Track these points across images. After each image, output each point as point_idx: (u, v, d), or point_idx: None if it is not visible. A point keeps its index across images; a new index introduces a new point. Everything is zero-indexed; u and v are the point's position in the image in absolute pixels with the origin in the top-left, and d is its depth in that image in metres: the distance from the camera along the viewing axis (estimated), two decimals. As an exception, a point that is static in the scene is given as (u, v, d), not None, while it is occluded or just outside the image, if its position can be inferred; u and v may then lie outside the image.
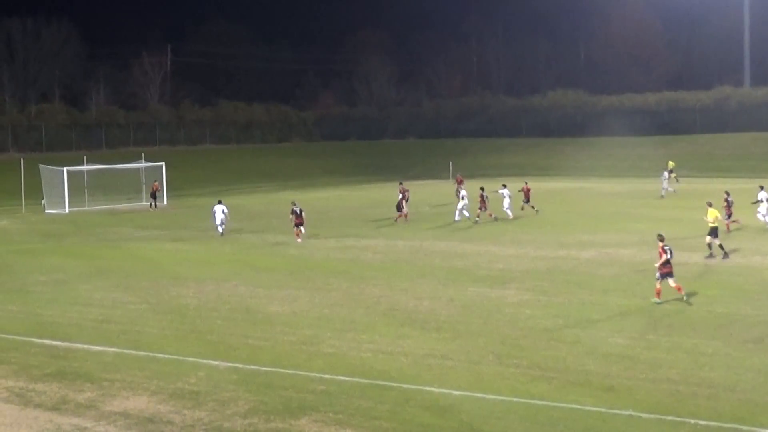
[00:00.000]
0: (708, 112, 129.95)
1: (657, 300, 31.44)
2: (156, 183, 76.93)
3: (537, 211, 61.06)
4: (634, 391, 21.42)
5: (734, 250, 42.58)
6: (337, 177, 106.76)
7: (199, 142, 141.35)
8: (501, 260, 41.84)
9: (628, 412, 19.84)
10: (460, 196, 59.62)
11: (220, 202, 55.96)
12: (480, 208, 58.00)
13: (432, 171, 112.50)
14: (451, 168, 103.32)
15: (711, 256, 41.08)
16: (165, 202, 78.98)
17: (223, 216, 54.52)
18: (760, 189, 53.91)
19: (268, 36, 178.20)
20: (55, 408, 21.34)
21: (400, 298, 33.43)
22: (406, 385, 22.25)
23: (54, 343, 27.61)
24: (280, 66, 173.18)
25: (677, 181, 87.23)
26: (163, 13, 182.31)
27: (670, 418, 19.48)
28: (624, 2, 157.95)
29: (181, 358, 25.44)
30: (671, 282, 31.62)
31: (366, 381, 22.72)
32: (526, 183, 64.37)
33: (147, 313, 31.84)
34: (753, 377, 22.27)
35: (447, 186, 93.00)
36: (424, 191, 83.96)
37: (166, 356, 25.66)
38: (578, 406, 20.39)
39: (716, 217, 41.28)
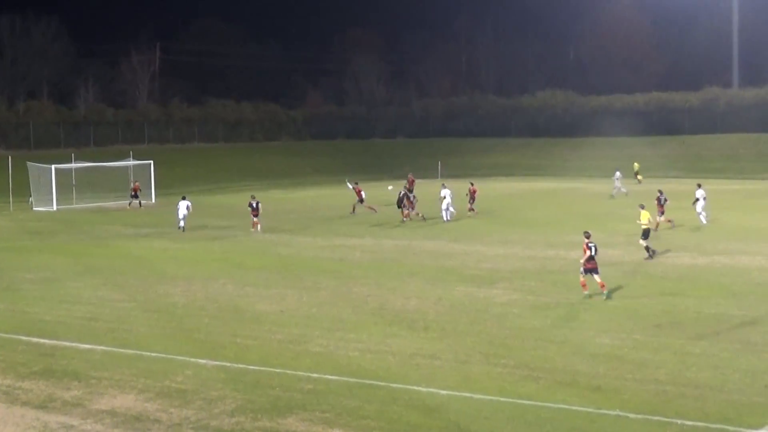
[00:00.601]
0: (697, 113, 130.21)
1: (586, 293, 32.65)
2: (137, 183, 76.56)
3: (475, 213, 61.53)
4: (622, 391, 21.45)
5: (684, 247, 42.65)
6: (326, 176, 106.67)
7: (188, 141, 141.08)
8: (489, 260, 41.87)
9: (615, 412, 19.87)
10: (442, 195, 59.78)
11: (184, 198, 58.03)
12: (404, 206, 59.57)
13: (421, 170, 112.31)
14: (439, 168, 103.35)
15: (651, 256, 41.47)
16: (153, 200, 78.89)
17: (186, 212, 56.25)
18: (698, 187, 55.96)
19: (257, 34, 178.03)
20: (41, 406, 21.28)
21: (389, 297, 33.44)
22: (393, 385, 22.25)
23: (41, 341, 27.55)
24: (269, 64, 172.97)
25: (639, 182, 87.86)
26: (152, 11, 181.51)
27: (657, 418, 19.51)
28: (613, 3, 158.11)
29: (169, 356, 25.41)
30: (596, 278, 32.70)
31: (354, 380, 22.71)
32: (472, 184, 64.62)
33: (135, 312, 31.79)
34: (740, 378, 22.31)
35: (436, 185, 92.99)
36: (415, 191, 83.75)
37: (153, 354, 25.62)
38: (566, 406, 20.41)
39: (649, 219, 42.12)
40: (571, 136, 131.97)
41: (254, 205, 55.48)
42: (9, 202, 74.20)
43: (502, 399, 21.06)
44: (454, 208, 59.47)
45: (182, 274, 39.41)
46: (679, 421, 19.25)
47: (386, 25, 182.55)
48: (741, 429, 18.85)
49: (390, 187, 64.88)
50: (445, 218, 58.94)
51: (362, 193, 63.45)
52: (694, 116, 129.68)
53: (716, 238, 47.43)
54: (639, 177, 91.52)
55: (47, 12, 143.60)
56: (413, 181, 67.54)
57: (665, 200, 53.28)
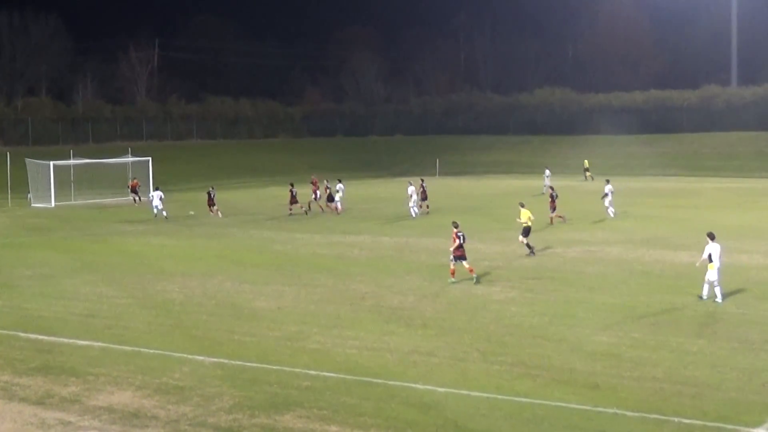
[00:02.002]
0: (695, 111, 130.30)
1: (452, 279, 35.15)
2: (135, 180, 76.43)
3: (428, 211, 62.48)
4: (619, 389, 21.45)
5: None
6: (324, 173, 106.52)
7: (186, 137, 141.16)
8: (487, 257, 41.85)
9: (612, 410, 19.87)
10: (408, 193, 60.89)
11: (157, 189, 64.59)
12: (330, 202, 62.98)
13: (419, 168, 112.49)
14: (437, 165, 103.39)
15: (531, 253, 42.14)
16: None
17: (159, 202, 61.95)
18: (606, 182, 58.50)
19: (255, 31, 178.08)
20: (39, 402, 21.27)
21: (386, 294, 33.43)
22: (391, 382, 22.24)
23: (39, 337, 27.53)
24: (267, 61, 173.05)
25: (592, 179, 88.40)
26: (150, 8, 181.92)
27: (654, 416, 19.51)
28: (612, 1, 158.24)
29: (167, 353, 25.40)
30: (465, 264, 35.18)
31: (351, 377, 22.71)
32: (423, 181, 65.48)
33: (133, 308, 31.77)
34: (737, 376, 22.32)
35: (434, 183, 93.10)
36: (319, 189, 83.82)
37: (151, 351, 25.61)
38: (563, 404, 20.41)
39: (529, 217, 42.58)
40: (570, 134, 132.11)
41: (211, 194, 62.80)
42: (7, 199, 74.21)
43: (499, 396, 21.05)
44: (417, 206, 60.92)
45: (180, 271, 39.39)
46: (676, 419, 19.25)
47: (385, 23, 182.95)
48: (738, 427, 18.86)
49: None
50: (412, 215, 59.92)
51: (317, 191, 65.70)
52: (693, 114, 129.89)
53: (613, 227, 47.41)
54: (588, 174, 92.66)
55: (46, 8, 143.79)
56: (317, 182, 68.34)
57: (556, 196, 55.28)
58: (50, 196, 74.10)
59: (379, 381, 22.34)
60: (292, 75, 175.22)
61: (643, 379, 22.14)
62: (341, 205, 64.11)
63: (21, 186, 76.10)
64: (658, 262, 39.61)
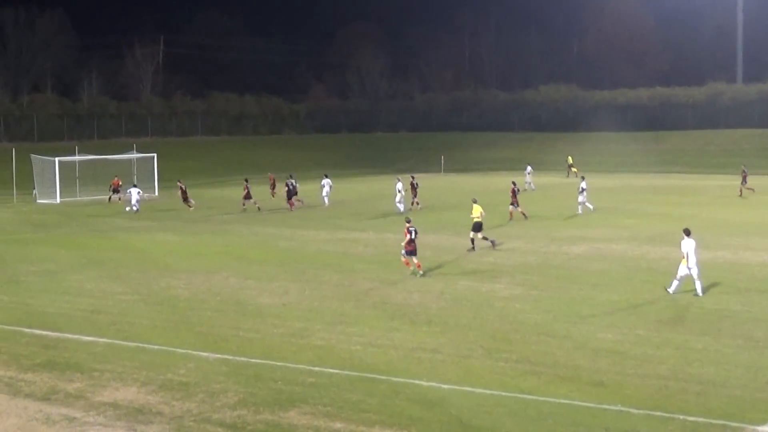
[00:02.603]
0: (700, 108, 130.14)
1: (411, 269, 36.54)
2: (116, 179, 75.26)
3: (419, 207, 62.95)
4: (624, 386, 21.45)
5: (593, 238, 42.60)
6: (329, 169, 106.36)
7: (191, 134, 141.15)
8: (491, 254, 41.85)
9: (617, 407, 19.87)
10: (397, 188, 61.40)
11: (135, 185, 67.45)
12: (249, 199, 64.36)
13: (424, 164, 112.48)
14: (442, 162, 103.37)
15: (473, 249, 43.07)
16: (156, 194, 78.92)
17: (137, 197, 65.27)
18: (582, 179, 59.88)
19: (260, 28, 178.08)
20: (44, 398, 21.31)
21: (391, 291, 33.44)
22: (395, 378, 22.25)
23: (44, 333, 27.57)
24: (272, 58, 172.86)
25: (576, 175, 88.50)
26: (155, 4, 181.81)
27: (659, 413, 19.51)
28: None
29: (171, 349, 25.42)
30: (414, 259, 36.55)
31: (355, 374, 22.72)
32: (413, 178, 65.86)
33: (137, 304, 31.81)
34: (742, 373, 22.31)
35: (438, 179, 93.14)
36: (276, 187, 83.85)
37: (156, 347, 25.64)
38: (567, 401, 20.41)
39: (480, 213, 43.32)
40: (574, 130, 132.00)
41: (183, 188, 66.04)
42: (13, 195, 74.27)
43: (503, 393, 21.06)
44: (403, 204, 61.38)
45: (184, 267, 39.43)
46: (681, 417, 19.25)
47: (390, 19, 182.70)
48: (743, 425, 18.84)
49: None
50: (400, 210, 60.47)
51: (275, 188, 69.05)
52: (698, 111, 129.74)
53: (719, 234, 47.39)
54: (574, 170, 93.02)
55: (51, 5, 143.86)
56: (273, 178, 70.19)
57: (518, 191, 56.19)
58: (55, 192, 74.12)
59: (384, 377, 22.35)
60: (297, 71, 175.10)
61: (648, 377, 22.14)
62: (327, 200, 66.01)
63: (26, 182, 76.15)
64: (662, 260, 39.56)
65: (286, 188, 65.78)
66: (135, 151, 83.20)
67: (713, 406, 19.99)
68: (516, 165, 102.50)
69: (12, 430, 19.41)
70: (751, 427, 18.76)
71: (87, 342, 26.42)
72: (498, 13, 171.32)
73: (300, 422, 19.32)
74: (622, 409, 19.80)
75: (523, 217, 54.57)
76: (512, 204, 54.95)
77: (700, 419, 19.12)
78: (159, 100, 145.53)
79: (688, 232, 32.09)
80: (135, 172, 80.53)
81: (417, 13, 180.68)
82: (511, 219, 54.27)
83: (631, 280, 34.68)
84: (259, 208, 63.56)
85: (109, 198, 73.40)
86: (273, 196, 70.34)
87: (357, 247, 45.23)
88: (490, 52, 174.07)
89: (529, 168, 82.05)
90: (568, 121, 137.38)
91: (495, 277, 35.88)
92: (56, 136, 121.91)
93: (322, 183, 64.31)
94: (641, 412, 19.61)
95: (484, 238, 43.28)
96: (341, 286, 34.68)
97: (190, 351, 25.13)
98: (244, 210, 63.26)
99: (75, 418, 19.92)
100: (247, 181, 66.05)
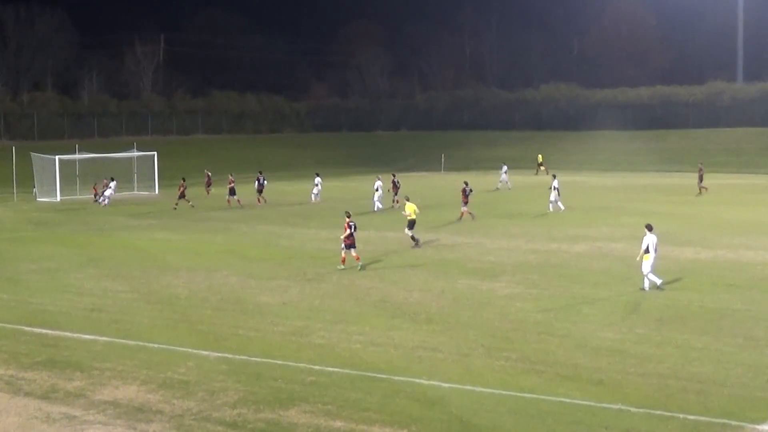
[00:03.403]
0: (701, 107, 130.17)
1: (341, 266, 37.70)
2: (97, 184, 74.51)
3: (400, 205, 62.38)
4: (624, 385, 21.44)
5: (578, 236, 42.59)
6: (329, 168, 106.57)
7: (191, 132, 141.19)
8: (492, 253, 41.86)
9: (617, 406, 19.86)
10: (375, 186, 62.50)
11: (112, 179, 71.21)
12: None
13: (424, 163, 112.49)
14: (443, 160, 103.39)
15: (417, 245, 43.89)
16: (156, 192, 78.92)
17: (110, 191, 69.46)
18: (553, 177, 60.52)
19: (261, 26, 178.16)
20: (44, 396, 21.30)
21: (391, 289, 33.44)
22: (395, 377, 22.25)
23: (44, 331, 27.57)
24: (272, 56, 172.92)
25: (546, 173, 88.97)
26: (156, 2, 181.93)
27: (659, 412, 19.50)
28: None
29: (171, 347, 25.42)
30: (353, 252, 37.85)
31: (356, 372, 22.72)
32: (394, 176, 67.00)
33: (137, 303, 31.80)
34: (743, 372, 22.30)
35: (439, 178, 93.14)
36: (417, 183, 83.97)
37: (156, 346, 25.63)
38: (567, 400, 20.41)
39: (414, 211, 44.12)
40: (575, 129, 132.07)
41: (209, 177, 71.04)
42: (13, 193, 74.27)
43: (504, 392, 21.06)
44: (381, 202, 62.59)
45: (185, 266, 39.42)
46: (681, 416, 19.24)
47: (390, 18, 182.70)
48: (743, 424, 18.84)
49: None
50: (375, 208, 61.56)
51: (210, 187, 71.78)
52: (698, 110, 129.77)
53: (719, 233, 47.41)
54: (542, 168, 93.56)
55: (51, 3, 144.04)
56: (232, 181, 69.68)
57: (470, 191, 56.08)
58: (56, 190, 74.11)
59: (384, 376, 22.35)
60: (298, 70, 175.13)
61: (648, 375, 22.13)
62: (317, 198, 68.03)
63: (26, 180, 76.16)
64: (663, 258, 39.43)
65: (257, 183, 68.67)
66: (135, 150, 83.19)
67: (713, 404, 19.98)
68: (516, 164, 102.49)
69: (12, 428, 19.40)
70: (752, 425, 18.76)
71: (87, 340, 26.42)
72: (499, 12, 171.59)
73: (300, 421, 19.32)
74: (622, 407, 19.79)
75: (470, 217, 54.67)
76: (464, 203, 55.21)
77: (701, 418, 19.12)
78: (159, 98, 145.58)
79: (650, 228, 32.86)
80: (135, 171, 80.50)
81: (418, 11, 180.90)
82: (461, 219, 54.51)
83: (631, 278, 34.64)
84: (192, 206, 65.27)
85: (94, 198, 72.99)
86: (208, 194, 73.75)
87: (357, 245, 45.16)
88: (490, 50, 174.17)
89: (504, 167, 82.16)
90: (568, 120, 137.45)
91: (495, 276, 35.87)
92: (57, 134, 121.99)
93: (376, 186, 63.80)
94: (641, 410, 19.61)
95: (412, 237, 44.18)
96: (341, 284, 34.69)
97: (190, 349, 25.13)
98: (176, 208, 64.75)
99: (75, 416, 19.92)
100: (184, 180, 68.51)
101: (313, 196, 68.28)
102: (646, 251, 32.29)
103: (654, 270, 32.48)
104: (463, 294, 32.45)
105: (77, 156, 79.45)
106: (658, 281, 32.27)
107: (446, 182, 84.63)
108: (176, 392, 21.36)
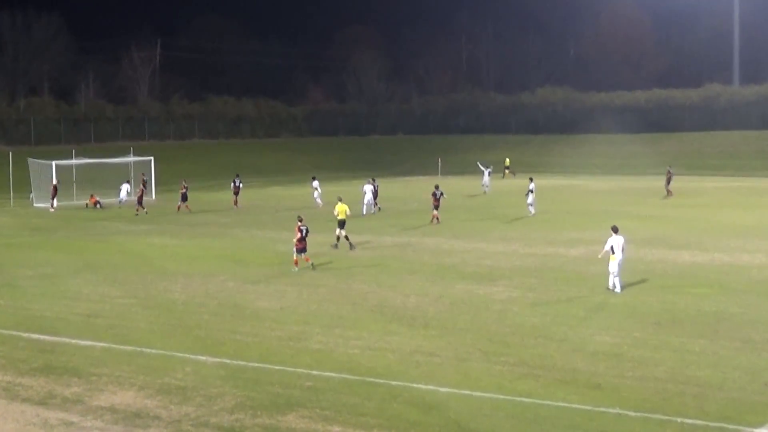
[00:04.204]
0: (697, 110, 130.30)
1: (295, 268, 38.48)
2: (56, 184, 73.94)
3: (379, 209, 64.08)
4: (621, 389, 21.45)
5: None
6: (326, 172, 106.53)
7: (188, 137, 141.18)
8: (489, 257, 41.88)
9: (615, 410, 19.87)
10: (363, 190, 63.22)
11: (128, 182, 73.59)
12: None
13: (421, 167, 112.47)
14: (439, 165, 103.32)
15: (336, 246, 45.24)
16: (153, 197, 78.88)
17: (125, 194, 71.60)
18: (530, 181, 60.48)
19: (257, 31, 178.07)
20: (41, 402, 21.29)
21: (388, 294, 33.43)
22: (393, 382, 22.24)
23: (41, 337, 27.54)
24: (269, 61, 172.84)
25: (513, 176, 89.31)
26: (152, 7, 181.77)
27: (656, 416, 19.52)
28: (614, 0, 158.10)
29: (169, 353, 25.41)
30: (303, 256, 38.76)
31: (353, 377, 22.72)
32: (374, 180, 66.75)
33: (135, 308, 31.78)
34: (740, 376, 22.32)
35: (436, 182, 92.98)
36: (414, 187, 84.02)
37: (153, 351, 25.62)
38: (565, 404, 20.42)
39: (344, 211, 45.36)
40: (571, 133, 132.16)
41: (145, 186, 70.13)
42: (9, 198, 74.21)
43: (501, 396, 21.06)
44: (368, 205, 62.87)
45: (182, 271, 39.40)
46: (678, 419, 19.25)
47: (387, 22, 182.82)
48: (740, 427, 18.86)
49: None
50: (363, 212, 61.62)
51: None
52: (695, 113, 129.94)
53: (716, 236, 47.45)
54: (508, 171, 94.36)
55: (48, 8, 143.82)
56: (185, 187, 69.24)
57: (441, 194, 56.67)
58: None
59: (382, 381, 22.35)
60: (295, 74, 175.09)
61: (646, 379, 22.15)
62: (320, 200, 67.58)
63: (23, 186, 76.08)
64: (660, 262, 39.62)
65: (233, 185, 69.92)
66: (132, 155, 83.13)
67: (711, 408, 19.99)
68: (514, 168, 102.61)
69: (9, 434, 19.41)
70: (749, 429, 18.78)
71: (84, 346, 26.40)
72: (495, 16, 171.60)
73: (298, 426, 19.31)
74: (620, 411, 19.80)
75: (436, 221, 55.22)
76: (435, 207, 55.89)
77: (698, 422, 19.13)
78: (156, 103, 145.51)
79: (615, 230, 33.47)
80: (132, 176, 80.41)
81: (414, 16, 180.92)
82: (432, 222, 54.72)
83: (628, 282, 34.67)
84: (146, 212, 65.28)
85: (87, 204, 72.62)
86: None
87: (354, 250, 45.21)
88: (487, 55, 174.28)
89: (488, 170, 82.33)
90: (565, 124, 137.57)
91: (492, 280, 35.89)
92: (53, 139, 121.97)
93: (364, 190, 64.22)
94: (639, 414, 19.62)
95: (346, 237, 45.10)
96: (339, 289, 34.68)
97: (187, 355, 25.11)
98: (137, 215, 64.71)
99: (72, 422, 19.91)
100: (144, 183, 70.78)
101: (317, 200, 67.61)
102: (612, 252, 32.81)
103: (620, 274, 33.08)
104: (460, 298, 32.45)
105: (74, 161, 79.31)
106: (618, 288, 32.75)
107: (443, 186, 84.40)
108: (174, 398, 21.35)
